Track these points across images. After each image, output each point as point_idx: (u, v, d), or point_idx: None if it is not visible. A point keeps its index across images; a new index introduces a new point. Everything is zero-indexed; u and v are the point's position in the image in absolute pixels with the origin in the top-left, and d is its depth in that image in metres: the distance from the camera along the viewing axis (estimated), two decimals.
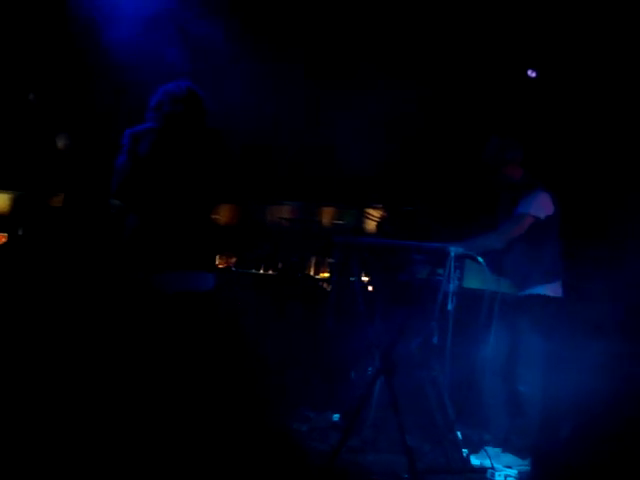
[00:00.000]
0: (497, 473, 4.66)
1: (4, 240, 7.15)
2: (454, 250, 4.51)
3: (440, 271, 4.62)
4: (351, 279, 5.40)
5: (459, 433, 4.78)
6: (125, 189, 3.88)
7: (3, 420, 4.17)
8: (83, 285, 5.63)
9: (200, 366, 3.99)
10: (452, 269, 4.52)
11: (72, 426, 4.12)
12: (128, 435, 3.75)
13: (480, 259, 4.56)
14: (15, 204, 7.62)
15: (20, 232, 7.23)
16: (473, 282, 4.68)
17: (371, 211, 7.56)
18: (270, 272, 8.11)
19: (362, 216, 7.90)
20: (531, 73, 6.63)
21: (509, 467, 4.72)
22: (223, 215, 8.89)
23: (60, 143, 6.19)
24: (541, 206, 4.93)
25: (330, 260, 7.75)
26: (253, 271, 8.09)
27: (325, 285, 7.61)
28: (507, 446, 4.86)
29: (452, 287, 4.55)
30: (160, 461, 3.76)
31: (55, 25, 6.74)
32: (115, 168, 3.90)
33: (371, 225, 7.71)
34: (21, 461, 3.81)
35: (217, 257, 8.12)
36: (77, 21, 6.44)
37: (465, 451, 4.74)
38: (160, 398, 3.80)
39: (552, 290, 4.94)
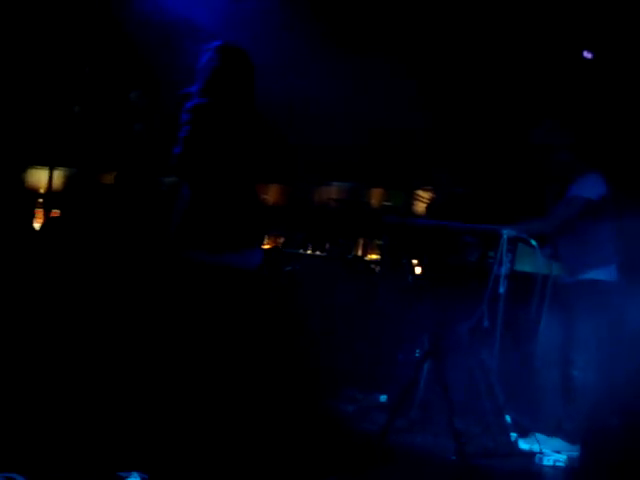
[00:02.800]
0: (546, 457, 4.65)
1: (57, 216, 7.23)
2: (507, 232, 4.48)
3: (492, 254, 4.59)
4: (402, 261, 5.39)
5: (508, 417, 4.76)
6: (187, 163, 3.89)
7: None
8: (133, 263, 5.69)
9: (247, 344, 4.02)
10: (504, 252, 4.48)
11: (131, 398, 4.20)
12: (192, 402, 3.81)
13: (533, 242, 4.51)
14: (68, 181, 7.70)
15: (73, 209, 7.32)
16: (525, 265, 4.64)
17: (420, 192, 7.50)
18: (318, 253, 8.10)
19: (411, 198, 7.85)
20: (587, 54, 6.52)
21: (558, 452, 4.70)
22: (271, 195, 8.89)
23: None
24: (594, 187, 4.86)
25: (379, 242, 7.72)
26: (301, 251, 8.08)
27: (374, 266, 7.59)
28: (558, 431, 4.83)
29: (504, 270, 4.51)
30: (216, 430, 3.81)
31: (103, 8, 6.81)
32: (179, 139, 3.90)
33: (420, 207, 7.67)
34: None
35: (265, 237, 8.14)
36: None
37: (514, 435, 4.73)
38: (213, 374, 3.84)
39: (607, 274, 4.87)
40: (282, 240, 8.32)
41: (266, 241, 8.20)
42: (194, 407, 3.77)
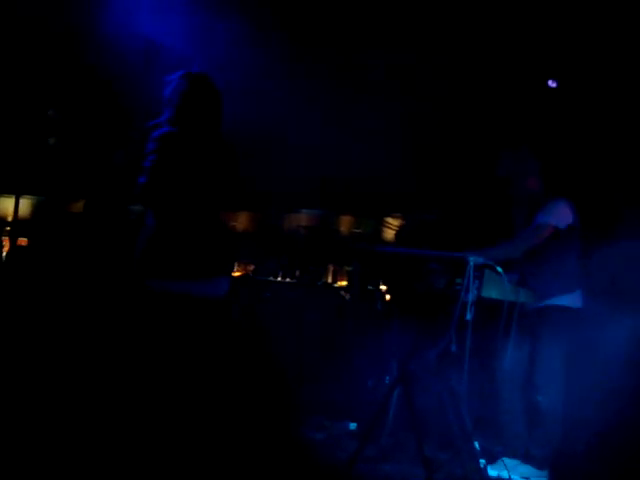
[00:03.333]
0: None
1: (24, 244, 7.19)
2: (473, 259, 4.49)
3: (459, 280, 4.60)
4: (369, 288, 5.40)
5: (477, 444, 4.75)
6: (151, 191, 3.88)
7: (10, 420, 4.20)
8: (98, 290, 5.66)
9: (214, 373, 3.99)
10: (471, 279, 4.50)
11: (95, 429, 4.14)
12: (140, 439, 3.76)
13: (499, 269, 4.53)
14: (35, 209, 7.66)
15: (40, 237, 7.27)
16: (492, 292, 4.65)
17: (390, 220, 7.55)
18: (288, 280, 8.10)
19: (380, 225, 7.88)
20: (552, 83, 6.61)
21: (526, 478, 4.70)
22: (241, 222, 8.89)
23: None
24: (561, 215, 4.91)
25: (348, 268, 7.73)
26: (271, 279, 8.07)
27: (343, 293, 7.60)
28: (525, 457, 4.83)
29: (471, 297, 4.52)
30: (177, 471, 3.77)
31: (70, 40, 6.79)
32: (145, 168, 3.89)
33: (390, 234, 7.70)
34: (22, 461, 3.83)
35: (235, 264, 8.13)
36: (93, 36, 6.51)
37: (482, 462, 4.71)
38: (171, 407, 3.80)
39: (571, 300, 4.91)
40: (252, 267, 8.31)
41: (236, 268, 8.18)
42: (160, 435, 3.73)
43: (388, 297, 6.11)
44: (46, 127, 6.82)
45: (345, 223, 8.69)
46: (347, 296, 7.32)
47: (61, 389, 4.74)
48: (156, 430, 3.76)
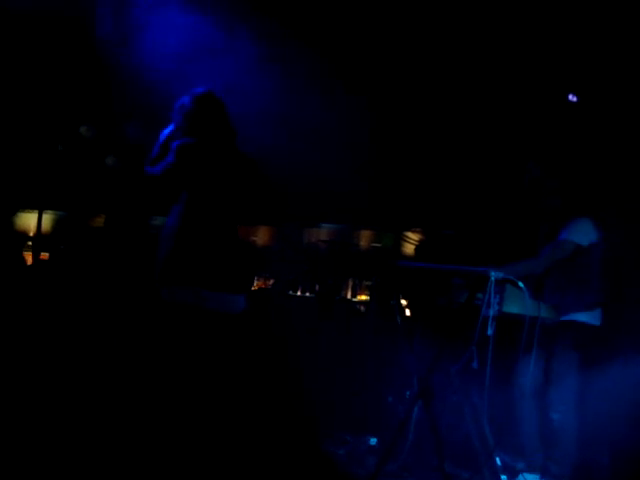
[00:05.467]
0: None
1: (46, 259, 7.24)
2: (494, 274, 4.49)
3: (480, 295, 4.59)
4: (390, 302, 5.38)
5: (498, 459, 4.74)
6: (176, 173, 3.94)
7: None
8: (120, 304, 5.69)
9: (232, 389, 4.00)
10: (492, 294, 4.49)
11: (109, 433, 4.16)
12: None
13: (521, 284, 4.53)
14: (57, 224, 7.73)
15: (61, 250, 7.32)
16: (513, 307, 4.64)
17: (409, 234, 7.55)
18: (307, 294, 8.11)
19: (400, 239, 7.88)
20: (572, 98, 6.60)
21: None
22: (261, 237, 8.93)
23: (109, 162, 6.28)
24: (584, 233, 4.91)
25: (368, 283, 7.74)
26: (290, 293, 8.09)
27: (362, 308, 7.60)
28: (544, 473, 4.81)
29: (492, 312, 4.51)
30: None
31: (86, 49, 6.86)
32: (160, 174, 3.95)
33: (409, 248, 7.70)
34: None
35: (254, 278, 8.15)
36: (109, 43, 6.57)
37: (504, 478, 4.70)
38: (190, 424, 3.81)
39: (591, 317, 4.89)
40: (271, 281, 8.33)
41: (256, 283, 8.20)
42: (182, 448, 3.74)
43: (408, 312, 6.10)
44: (78, 146, 6.89)
45: (365, 237, 8.71)
46: (364, 310, 7.32)
47: (79, 396, 4.77)
48: (166, 439, 3.78)
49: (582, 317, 4.89)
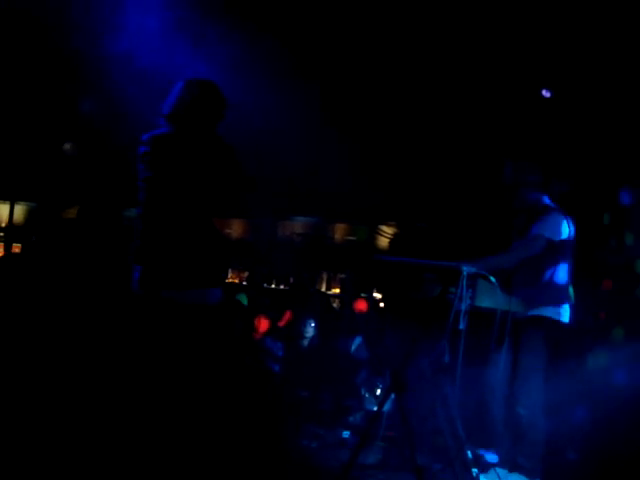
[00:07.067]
0: None
1: (18, 250, 7.18)
2: (467, 269, 4.50)
3: (452, 289, 4.61)
4: (363, 296, 5.41)
5: (469, 452, 4.76)
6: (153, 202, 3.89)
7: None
8: (91, 295, 5.66)
9: (205, 382, 3.99)
10: (464, 288, 4.51)
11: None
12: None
13: (492, 279, 4.55)
14: (30, 216, 7.66)
15: (33, 241, 7.27)
16: (485, 301, 4.66)
17: (384, 227, 7.57)
18: (282, 287, 8.12)
19: (374, 232, 7.90)
20: (546, 93, 6.63)
21: None
22: (235, 230, 8.90)
23: (67, 149, 6.24)
24: (556, 228, 4.93)
25: (342, 276, 7.75)
26: (265, 285, 8.09)
27: (336, 301, 7.60)
28: (514, 467, 4.84)
29: (464, 306, 4.53)
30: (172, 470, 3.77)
31: (55, 36, 6.78)
32: (139, 181, 3.91)
33: (384, 241, 7.71)
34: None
35: (229, 271, 8.14)
36: (79, 32, 6.51)
37: (475, 471, 4.72)
38: (161, 410, 3.80)
39: (555, 312, 4.92)
40: (246, 274, 8.32)
41: (230, 275, 8.19)
42: (156, 442, 3.73)
43: (382, 305, 6.12)
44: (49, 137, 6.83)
45: (339, 231, 8.71)
46: (337, 304, 7.33)
47: (55, 392, 4.75)
48: (150, 432, 3.76)
49: (550, 313, 4.91)
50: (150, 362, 3.84)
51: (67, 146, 6.13)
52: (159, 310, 3.85)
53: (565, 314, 4.95)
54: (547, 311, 4.89)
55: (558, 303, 4.92)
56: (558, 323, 4.91)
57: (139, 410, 3.80)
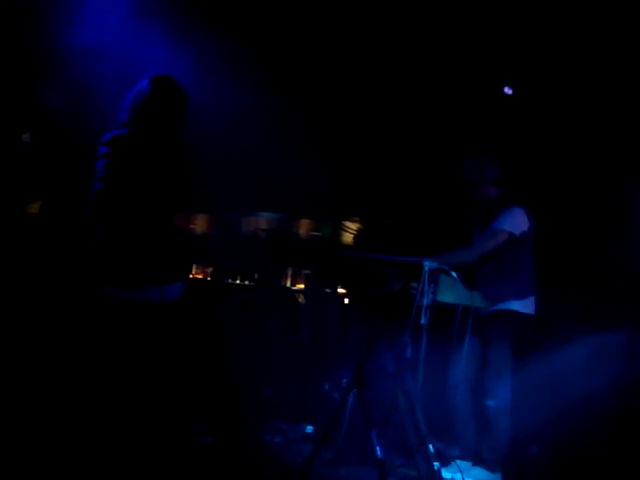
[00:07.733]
0: None
1: None
2: (428, 265, 4.54)
3: (414, 285, 4.65)
4: (326, 291, 5.42)
5: (431, 446, 4.80)
6: (104, 203, 3.85)
7: None
8: (52, 293, 5.61)
9: (165, 378, 3.98)
10: (426, 283, 4.54)
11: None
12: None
13: (454, 274, 4.59)
14: None
15: None
16: (448, 296, 4.70)
17: (348, 223, 7.57)
18: (246, 282, 8.09)
19: (339, 228, 7.90)
20: (507, 90, 6.69)
21: None
22: (199, 225, 8.85)
23: (25, 139, 6.17)
24: (516, 222, 4.98)
25: (306, 271, 7.74)
26: (229, 281, 8.05)
27: (300, 297, 7.60)
28: (478, 460, 4.89)
29: (426, 301, 4.57)
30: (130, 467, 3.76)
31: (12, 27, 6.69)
32: (94, 180, 3.88)
33: (348, 237, 7.72)
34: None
35: (193, 267, 8.10)
36: (42, 22, 6.44)
37: (437, 464, 4.76)
38: (116, 407, 3.79)
39: (523, 306, 4.98)
40: (210, 270, 8.28)
41: (195, 271, 8.16)
42: (111, 440, 3.72)
43: (346, 300, 6.13)
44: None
45: (304, 226, 8.70)
46: (302, 299, 7.33)
47: (15, 388, 4.71)
48: (107, 435, 3.75)
49: (515, 306, 4.97)
50: (105, 359, 3.83)
51: (25, 136, 6.05)
52: (117, 308, 3.84)
53: (530, 306, 5.00)
54: (512, 304, 4.95)
55: (523, 296, 4.98)
56: (524, 315, 4.97)
57: (86, 404, 3.79)
